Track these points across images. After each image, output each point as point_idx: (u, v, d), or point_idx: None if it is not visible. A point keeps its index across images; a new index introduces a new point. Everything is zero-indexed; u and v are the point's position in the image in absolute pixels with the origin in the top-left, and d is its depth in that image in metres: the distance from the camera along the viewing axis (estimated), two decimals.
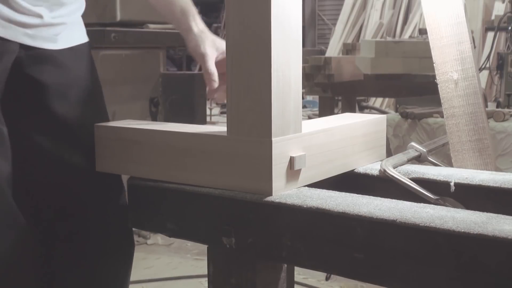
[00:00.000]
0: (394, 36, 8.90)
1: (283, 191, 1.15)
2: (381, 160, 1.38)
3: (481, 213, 0.99)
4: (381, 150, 1.47)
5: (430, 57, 1.55)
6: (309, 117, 6.53)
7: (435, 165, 1.43)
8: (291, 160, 1.17)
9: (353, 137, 1.35)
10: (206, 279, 1.24)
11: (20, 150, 1.40)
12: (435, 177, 1.29)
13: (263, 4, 1.10)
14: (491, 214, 0.99)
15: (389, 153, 1.47)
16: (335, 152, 1.30)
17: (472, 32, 1.72)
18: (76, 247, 1.41)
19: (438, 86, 1.55)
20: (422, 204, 1.06)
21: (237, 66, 1.15)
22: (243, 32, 1.14)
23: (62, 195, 1.39)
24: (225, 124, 1.19)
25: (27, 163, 1.40)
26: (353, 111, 4.80)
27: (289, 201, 1.09)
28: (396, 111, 3.34)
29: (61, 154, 1.38)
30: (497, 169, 1.54)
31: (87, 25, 1.55)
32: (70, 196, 1.39)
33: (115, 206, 1.44)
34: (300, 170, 1.20)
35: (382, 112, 6.20)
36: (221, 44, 1.40)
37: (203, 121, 3.91)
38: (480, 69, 4.03)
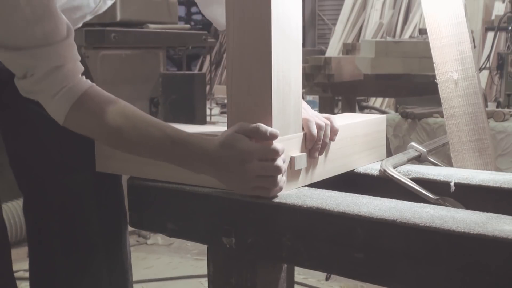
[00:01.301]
0: (394, 36, 8.90)
1: (283, 191, 1.15)
2: (381, 160, 1.38)
3: (481, 213, 1.00)
4: (381, 150, 1.47)
5: (430, 57, 1.55)
6: None
7: (435, 165, 1.43)
8: (292, 160, 1.17)
9: (353, 137, 1.35)
10: (206, 279, 1.24)
11: (21, 147, 1.41)
12: (435, 177, 1.29)
13: (264, 5, 1.10)
14: (491, 214, 0.99)
15: (389, 153, 1.47)
16: (335, 152, 1.30)
17: (472, 32, 1.72)
18: (70, 243, 1.41)
19: (438, 86, 1.55)
20: (422, 204, 1.06)
21: (237, 66, 1.15)
22: (243, 33, 1.14)
23: (60, 193, 1.40)
24: (225, 124, 1.19)
25: (23, 159, 1.40)
26: (353, 111, 4.80)
27: (289, 201, 1.09)
28: (396, 111, 3.34)
29: (62, 151, 1.38)
30: (497, 169, 1.54)
31: (87, 25, 1.56)
32: (68, 195, 1.40)
33: (112, 205, 1.45)
34: (300, 170, 1.20)
35: (382, 112, 6.19)
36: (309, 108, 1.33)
37: (203, 121, 3.91)
38: (480, 69, 4.03)
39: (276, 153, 1.09)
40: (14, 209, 3.03)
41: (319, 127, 1.22)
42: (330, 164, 1.29)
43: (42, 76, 1.15)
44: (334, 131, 1.26)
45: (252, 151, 1.09)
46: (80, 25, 1.49)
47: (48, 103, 1.18)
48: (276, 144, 1.10)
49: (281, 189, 1.12)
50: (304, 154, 1.20)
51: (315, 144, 1.21)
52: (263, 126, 1.10)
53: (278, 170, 1.09)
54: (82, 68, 1.20)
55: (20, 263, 2.47)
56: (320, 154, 1.24)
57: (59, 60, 1.15)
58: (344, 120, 1.38)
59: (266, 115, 1.13)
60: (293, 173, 1.18)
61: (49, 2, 1.14)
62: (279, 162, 1.09)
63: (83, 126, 1.20)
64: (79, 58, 1.20)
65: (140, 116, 1.18)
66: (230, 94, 1.17)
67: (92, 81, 1.38)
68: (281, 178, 1.11)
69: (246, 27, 1.13)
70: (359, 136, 1.38)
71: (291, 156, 1.17)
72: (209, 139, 1.13)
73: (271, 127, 1.12)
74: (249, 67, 1.14)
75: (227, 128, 1.17)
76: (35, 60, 1.14)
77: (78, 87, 1.17)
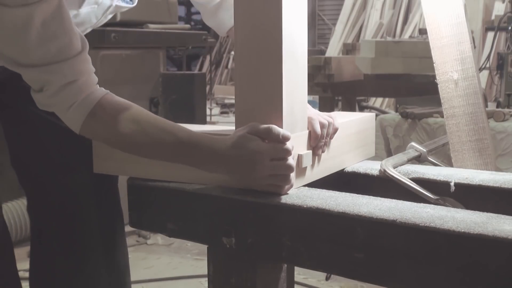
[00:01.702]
0: (394, 36, 8.89)
1: (293, 188, 1.15)
2: (371, 157, 1.40)
3: (481, 213, 0.99)
4: (371, 148, 1.51)
5: (430, 57, 1.55)
6: None
7: (435, 165, 1.44)
8: (299, 158, 1.18)
9: (348, 135, 1.38)
10: (206, 279, 1.24)
11: (21, 147, 1.41)
12: (435, 177, 1.29)
13: (274, 8, 1.11)
14: (491, 214, 0.99)
15: (389, 153, 1.48)
16: (335, 149, 1.31)
17: (472, 32, 1.72)
18: (69, 243, 1.41)
19: (438, 86, 1.55)
20: (422, 204, 1.06)
21: (246, 64, 1.16)
22: (252, 30, 1.14)
23: (60, 193, 1.40)
24: (225, 124, 1.19)
25: (23, 159, 1.40)
26: (353, 111, 4.80)
27: (289, 201, 1.09)
28: (396, 111, 3.34)
29: (62, 151, 1.39)
30: (497, 169, 1.54)
31: None
32: (68, 195, 1.40)
33: (110, 205, 1.45)
34: (306, 167, 1.21)
35: (382, 112, 6.19)
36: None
37: (203, 121, 3.91)
38: (480, 69, 4.03)
39: (288, 153, 1.10)
40: (14, 209, 3.03)
41: (322, 125, 1.23)
42: (331, 161, 1.31)
43: (57, 90, 1.16)
44: (334, 130, 1.27)
45: (264, 151, 1.10)
46: None
47: (63, 114, 1.19)
48: (288, 144, 1.11)
49: (292, 186, 1.14)
50: (310, 152, 1.21)
51: (319, 142, 1.22)
52: (275, 128, 1.11)
53: (290, 168, 1.11)
54: (96, 79, 1.21)
55: (20, 263, 2.46)
56: (323, 151, 1.25)
57: (74, 75, 1.16)
58: (339, 119, 1.39)
59: (277, 114, 1.14)
60: (300, 171, 1.19)
61: (63, 18, 1.15)
62: (291, 160, 1.11)
63: (97, 135, 1.23)
64: (94, 70, 1.21)
65: (152, 121, 1.20)
66: (238, 92, 1.18)
67: None
68: (292, 175, 1.12)
69: (256, 24, 1.13)
70: (353, 134, 1.41)
71: (298, 154, 1.17)
72: (220, 140, 1.14)
73: (282, 125, 1.13)
74: (259, 66, 1.14)
75: (235, 127, 1.17)
76: (50, 75, 1.15)
77: (92, 98, 1.18)
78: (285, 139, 1.11)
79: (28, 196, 1.47)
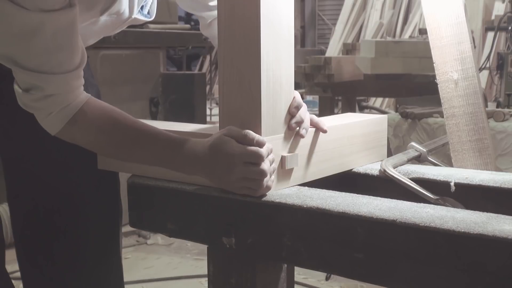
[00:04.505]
0: (394, 36, 8.89)
1: (274, 190, 1.15)
2: (382, 160, 1.38)
3: (481, 213, 1.00)
4: (382, 150, 1.47)
5: (430, 57, 1.55)
6: None
7: (435, 165, 1.43)
8: (282, 159, 1.17)
9: (350, 136, 1.35)
10: (206, 279, 1.24)
11: (19, 145, 1.41)
12: (435, 177, 1.29)
13: (253, 3, 1.10)
14: (491, 214, 0.99)
15: (389, 153, 1.48)
16: (330, 151, 1.30)
17: (472, 32, 1.72)
18: (68, 243, 1.41)
19: (438, 86, 1.55)
20: (422, 204, 1.06)
21: (228, 65, 1.16)
22: (233, 31, 1.14)
23: (60, 192, 1.40)
24: None
25: (25, 159, 1.40)
26: (353, 111, 4.80)
27: (289, 201, 1.09)
28: (396, 111, 3.34)
29: (62, 150, 1.39)
30: (497, 169, 1.54)
31: None
32: (67, 194, 1.40)
33: (110, 204, 1.45)
34: (292, 169, 1.20)
35: (382, 112, 6.19)
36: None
37: (203, 121, 3.91)
38: (480, 69, 4.03)
39: (260, 158, 1.10)
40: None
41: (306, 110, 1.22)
42: (325, 164, 1.29)
43: (43, 97, 1.17)
44: (321, 128, 1.26)
45: (237, 154, 1.10)
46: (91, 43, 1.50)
47: (42, 119, 1.20)
48: (261, 149, 1.10)
49: (269, 188, 1.13)
50: (296, 153, 1.20)
51: (298, 111, 1.20)
52: (250, 133, 1.11)
53: (262, 174, 1.10)
54: (81, 90, 1.21)
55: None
56: (301, 135, 1.21)
57: (64, 88, 1.17)
58: (341, 120, 1.38)
59: (256, 115, 1.13)
60: (284, 172, 1.18)
61: (73, 33, 1.16)
62: (264, 166, 1.10)
63: (76, 139, 1.24)
64: (83, 82, 1.22)
65: (131, 124, 1.20)
66: (221, 93, 1.18)
67: (94, 78, 1.38)
68: (268, 179, 1.12)
69: (236, 26, 1.13)
70: (357, 135, 1.37)
71: (282, 156, 1.17)
72: (198, 142, 1.15)
73: (260, 126, 1.13)
74: (240, 66, 1.14)
75: (219, 126, 1.18)
76: (42, 83, 1.16)
77: (73, 106, 1.19)
78: (259, 145, 1.10)
79: (20, 196, 1.46)
